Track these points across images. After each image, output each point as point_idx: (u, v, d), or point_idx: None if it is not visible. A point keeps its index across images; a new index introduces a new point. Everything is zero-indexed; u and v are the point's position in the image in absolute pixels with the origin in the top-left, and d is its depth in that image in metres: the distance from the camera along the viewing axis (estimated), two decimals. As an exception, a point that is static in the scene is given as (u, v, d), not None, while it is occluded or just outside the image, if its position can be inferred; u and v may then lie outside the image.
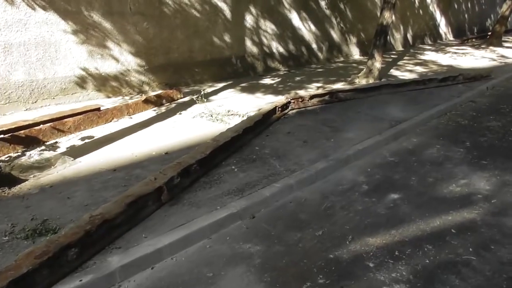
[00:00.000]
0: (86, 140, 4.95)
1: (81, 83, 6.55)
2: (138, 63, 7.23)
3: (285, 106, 6.15)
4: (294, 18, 10.08)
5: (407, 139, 5.32)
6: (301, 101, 6.42)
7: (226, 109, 6.37)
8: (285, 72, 9.90)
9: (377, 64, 8.15)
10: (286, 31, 9.96)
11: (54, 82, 6.22)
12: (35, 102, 6.09)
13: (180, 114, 6.17)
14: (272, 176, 4.03)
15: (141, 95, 6.82)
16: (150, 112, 6.21)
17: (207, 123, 5.73)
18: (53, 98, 6.25)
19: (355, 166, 4.50)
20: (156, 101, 6.45)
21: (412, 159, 4.66)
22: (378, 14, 12.55)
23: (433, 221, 3.30)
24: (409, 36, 14.86)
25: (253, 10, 8.98)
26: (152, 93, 6.99)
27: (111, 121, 5.64)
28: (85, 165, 4.24)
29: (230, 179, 3.95)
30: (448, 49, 14.13)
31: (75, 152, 4.57)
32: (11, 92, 5.85)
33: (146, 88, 7.46)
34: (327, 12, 11.00)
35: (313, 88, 7.96)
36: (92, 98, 6.72)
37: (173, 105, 6.68)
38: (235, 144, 4.65)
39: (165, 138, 5.10)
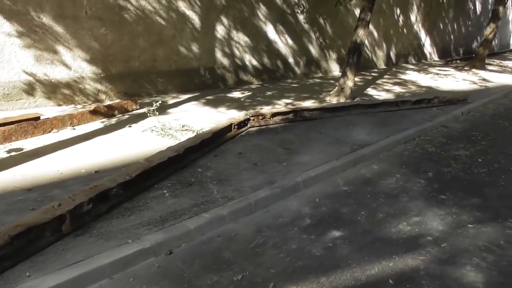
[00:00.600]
0: (13, 153, 4.49)
1: (27, 89, 6.10)
2: (94, 71, 6.79)
3: (242, 123, 5.75)
4: (270, 30, 9.76)
5: (367, 166, 4.95)
6: (261, 119, 6.03)
7: (182, 123, 5.96)
8: (257, 86, 9.54)
9: (349, 83, 7.83)
10: (261, 44, 9.62)
11: (-5, 87, 5.78)
12: (-28, 107, 5.63)
13: (129, 127, 5.74)
14: (205, 204, 3.61)
15: (90, 104, 6.36)
16: (97, 124, 5.77)
17: (155, 139, 5.31)
18: (-6, 104, 5.80)
19: (303, 195, 4.10)
20: (107, 112, 6.01)
21: (366, 189, 4.28)
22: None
23: (371, 267, 2.90)
24: (392, 55, 14.65)
25: (224, 20, 8.63)
26: (102, 103, 6.55)
27: (50, 132, 5.19)
28: (-2, 183, 3.79)
29: (156, 206, 3.52)
30: (431, 69, 13.92)
31: (-7, 167, 4.11)
32: None
33: (103, 97, 7.02)
34: (306, 26, 10.71)
35: (282, 104, 7.59)
36: (40, 106, 6.27)
37: (126, 116, 6.25)
38: (174, 165, 4.23)
39: (102, 153, 4.66)
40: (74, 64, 6.53)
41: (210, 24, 8.39)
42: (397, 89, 9.95)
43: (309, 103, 7.67)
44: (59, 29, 6.22)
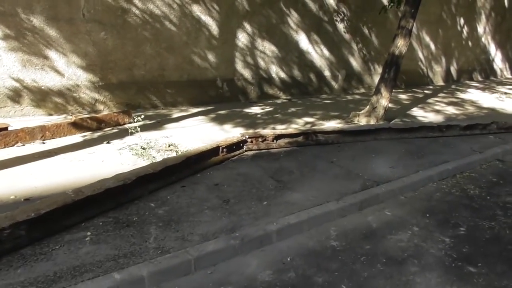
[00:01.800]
0: (-50, 170, 3.93)
1: (13, 96, 5.66)
2: (90, 79, 6.25)
3: (236, 146, 4.83)
4: (302, 40, 8.76)
5: (377, 211, 3.81)
6: (261, 141, 5.07)
7: (170, 142, 5.17)
8: (284, 100, 8.57)
9: (384, 102, 6.61)
10: (290, 54, 8.65)
11: (-25, 93, 5.38)
12: None
13: (108, 143, 5.05)
14: (128, 256, 2.72)
15: (72, 115, 5.72)
16: (76, 138, 5.13)
17: (129, 159, 4.54)
18: (-28, 111, 5.41)
19: (272, 250, 3.08)
20: (91, 125, 5.38)
21: (364, 247, 3.16)
22: (413, 42, 10.96)
23: None
24: (453, 70, 12.97)
25: (248, 27, 7.80)
26: (97, 114, 5.93)
27: (13, 145, 4.61)
28: None
29: (62, 256, 2.69)
30: (498, 88, 12.08)
31: None
32: None
33: (101, 107, 6.45)
34: (346, 36, 9.58)
35: (301, 123, 6.57)
36: (28, 114, 5.80)
37: (114, 131, 5.58)
38: (117, 198, 3.40)
39: (53, 175, 3.97)
40: (68, 71, 6.02)
41: (230, 31, 7.60)
42: (451, 110, 8.50)
43: (333, 124, 6.57)
44: (51, 32, 5.75)
